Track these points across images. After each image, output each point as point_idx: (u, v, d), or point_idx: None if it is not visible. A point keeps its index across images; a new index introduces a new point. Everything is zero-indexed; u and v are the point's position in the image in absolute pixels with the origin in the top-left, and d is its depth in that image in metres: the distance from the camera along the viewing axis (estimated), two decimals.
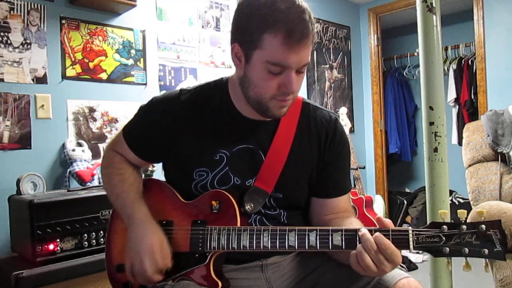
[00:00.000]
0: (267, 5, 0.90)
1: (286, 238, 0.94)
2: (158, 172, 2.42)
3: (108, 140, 2.38)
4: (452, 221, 0.85)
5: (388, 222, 0.88)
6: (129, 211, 1.04)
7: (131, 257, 1.00)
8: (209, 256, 1.00)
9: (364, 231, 0.86)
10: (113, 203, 1.11)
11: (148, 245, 0.97)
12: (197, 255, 1.01)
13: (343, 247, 0.89)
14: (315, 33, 0.95)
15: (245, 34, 0.94)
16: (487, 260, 0.81)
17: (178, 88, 1.14)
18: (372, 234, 0.86)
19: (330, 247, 0.90)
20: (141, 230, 1.00)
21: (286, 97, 0.98)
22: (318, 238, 0.91)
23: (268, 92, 0.97)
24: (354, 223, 1.06)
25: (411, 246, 0.84)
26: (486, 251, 0.79)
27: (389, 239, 0.84)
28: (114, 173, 1.13)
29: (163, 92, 2.61)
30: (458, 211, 0.82)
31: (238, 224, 1.00)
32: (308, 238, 0.92)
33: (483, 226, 0.79)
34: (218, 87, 1.11)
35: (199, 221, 1.03)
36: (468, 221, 0.82)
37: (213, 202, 1.02)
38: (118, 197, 1.09)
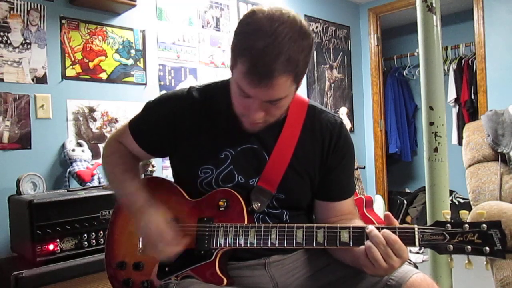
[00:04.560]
0: (249, 32, 0.89)
1: (294, 235, 0.95)
2: (158, 172, 2.42)
3: None
4: (452, 220, 0.87)
5: (396, 221, 0.91)
6: (131, 199, 1.08)
7: (146, 242, 1.06)
8: (215, 253, 1.01)
9: (371, 227, 0.88)
10: (115, 190, 1.15)
11: (153, 226, 1.01)
12: (202, 252, 1.02)
13: (351, 244, 0.91)
14: (295, 70, 0.89)
15: (232, 50, 0.95)
16: (487, 258, 0.83)
17: (187, 86, 1.16)
18: (379, 231, 0.87)
19: (338, 244, 0.91)
20: (145, 216, 1.04)
21: (252, 120, 0.98)
22: (325, 235, 0.93)
23: (238, 110, 1.00)
24: (357, 224, 1.06)
25: (417, 243, 0.86)
26: (487, 249, 0.82)
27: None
28: (118, 161, 1.17)
29: (163, 92, 2.62)
30: (460, 211, 0.85)
31: (245, 222, 1.01)
32: (316, 235, 0.93)
33: (484, 226, 0.83)
34: (225, 87, 1.12)
35: (205, 218, 1.04)
36: (468, 221, 0.85)
37: (221, 200, 1.04)
38: (122, 185, 1.12)
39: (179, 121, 1.10)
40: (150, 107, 1.16)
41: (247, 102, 0.95)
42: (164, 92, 2.61)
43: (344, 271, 1.04)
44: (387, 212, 0.93)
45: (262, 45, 0.86)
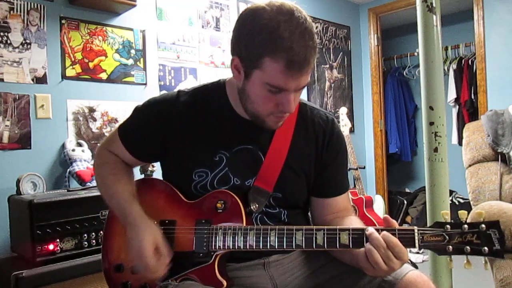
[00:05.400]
0: (270, 29, 0.89)
1: (294, 237, 0.94)
2: (158, 172, 2.42)
3: None
4: (452, 220, 0.88)
5: (394, 222, 0.91)
6: (124, 212, 1.05)
7: (132, 258, 1.01)
8: (214, 256, 1.00)
9: (371, 230, 0.88)
10: (108, 203, 1.11)
11: (140, 247, 0.98)
12: (201, 255, 1.01)
13: (351, 246, 0.90)
14: (317, 50, 0.94)
15: (245, 52, 0.94)
16: (486, 258, 0.83)
17: (176, 89, 1.15)
18: (379, 233, 0.87)
19: (338, 246, 0.91)
20: (135, 231, 1.00)
21: (283, 114, 1.00)
22: (325, 237, 0.92)
23: (266, 110, 0.98)
24: (354, 221, 1.07)
25: (417, 245, 0.86)
26: (486, 249, 0.82)
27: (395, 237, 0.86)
28: (108, 173, 1.13)
29: (163, 92, 2.62)
30: (459, 212, 0.85)
31: (244, 224, 1.00)
32: (315, 237, 0.93)
33: (483, 226, 0.83)
34: (216, 88, 1.12)
35: (203, 221, 1.03)
36: (468, 221, 0.85)
37: (219, 202, 1.03)
38: (113, 197, 1.09)
39: (169, 125, 1.08)
40: (138, 112, 1.14)
41: (279, 98, 0.95)
42: (163, 91, 2.62)
43: (342, 268, 1.05)
44: (386, 215, 0.92)
45: (292, 37, 0.88)
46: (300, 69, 0.91)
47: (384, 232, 0.87)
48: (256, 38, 0.91)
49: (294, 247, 0.94)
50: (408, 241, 0.86)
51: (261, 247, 0.96)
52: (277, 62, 0.89)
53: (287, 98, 0.95)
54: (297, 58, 0.89)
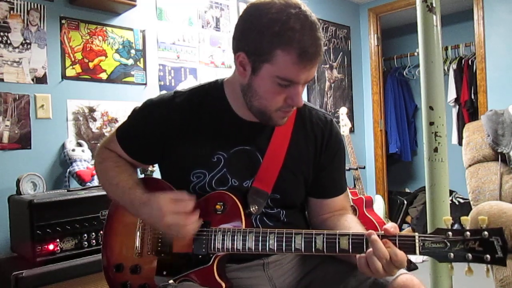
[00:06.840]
0: (280, 22, 0.89)
1: (293, 241, 0.94)
2: (158, 172, 2.42)
3: None
4: (453, 221, 0.86)
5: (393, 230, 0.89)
6: (130, 197, 1.03)
7: (164, 232, 1.01)
8: (213, 258, 1.00)
9: (376, 238, 0.85)
10: (112, 193, 1.10)
11: (160, 211, 0.94)
12: (200, 256, 1.00)
13: (350, 251, 0.89)
14: (324, 42, 0.95)
15: (254, 47, 0.93)
16: (488, 265, 0.82)
17: (172, 90, 1.14)
18: (380, 238, 0.86)
19: (337, 251, 0.90)
20: (146, 206, 0.98)
21: (290, 109, 1.00)
22: (324, 242, 0.91)
23: (274, 105, 0.98)
24: (349, 220, 1.07)
25: (417, 251, 0.85)
26: (488, 257, 0.80)
27: (395, 244, 0.85)
28: (111, 166, 1.13)
29: (163, 92, 2.62)
30: (462, 218, 0.84)
31: (243, 226, 1.00)
32: (315, 242, 0.92)
33: (486, 233, 0.81)
34: (214, 89, 1.11)
35: (202, 222, 1.02)
36: (468, 223, 0.84)
37: (218, 204, 1.03)
38: (117, 187, 1.07)
39: (166, 127, 1.07)
40: (135, 114, 1.14)
41: (288, 91, 0.95)
42: (163, 91, 2.62)
43: (336, 267, 1.05)
44: (385, 228, 0.89)
45: (303, 29, 0.89)
46: (312, 60, 0.91)
47: (389, 244, 0.85)
48: (266, 31, 0.90)
49: (293, 251, 0.94)
50: (409, 248, 0.85)
51: (260, 250, 0.96)
52: (289, 54, 0.89)
53: (296, 91, 0.95)
54: (309, 49, 0.90)
